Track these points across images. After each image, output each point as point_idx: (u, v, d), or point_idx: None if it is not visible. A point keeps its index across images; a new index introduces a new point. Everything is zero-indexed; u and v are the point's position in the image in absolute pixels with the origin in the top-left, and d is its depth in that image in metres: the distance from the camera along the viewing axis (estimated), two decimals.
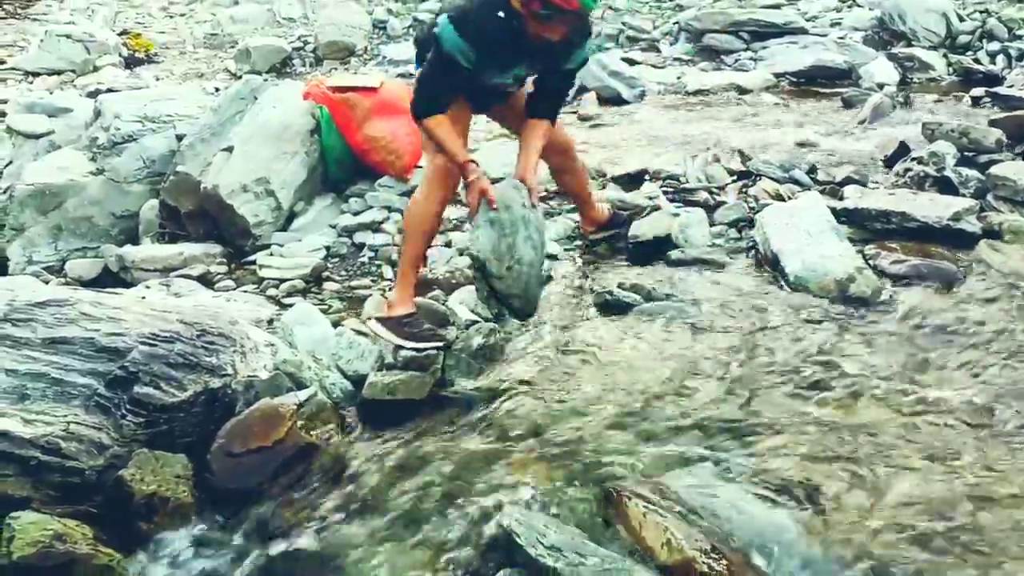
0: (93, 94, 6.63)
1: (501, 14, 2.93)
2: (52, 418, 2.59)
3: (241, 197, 4.39)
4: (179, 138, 4.87)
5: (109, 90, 6.77)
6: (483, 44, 2.95)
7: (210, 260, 4.29)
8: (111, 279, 4.33)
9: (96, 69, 8.82)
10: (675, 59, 8.01)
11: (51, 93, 7.05)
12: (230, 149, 4.53)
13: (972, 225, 3.90)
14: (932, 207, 3.97)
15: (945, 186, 4.32)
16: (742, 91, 6.88)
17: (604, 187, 4.79)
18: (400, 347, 3.08)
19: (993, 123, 4.85)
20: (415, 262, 3.27)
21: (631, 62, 7.57)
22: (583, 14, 2.96)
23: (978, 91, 6.06)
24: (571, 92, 3.70)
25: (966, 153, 4.56)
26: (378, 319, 3.14)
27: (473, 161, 3.11)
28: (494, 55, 3.03)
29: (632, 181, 4.81)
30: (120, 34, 9.92)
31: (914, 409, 2.86)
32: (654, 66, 7.71)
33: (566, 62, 3.22)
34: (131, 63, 9.23)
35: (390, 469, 2.67)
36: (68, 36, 9.00)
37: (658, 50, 8.30)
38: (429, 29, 3.17)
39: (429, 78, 3.10)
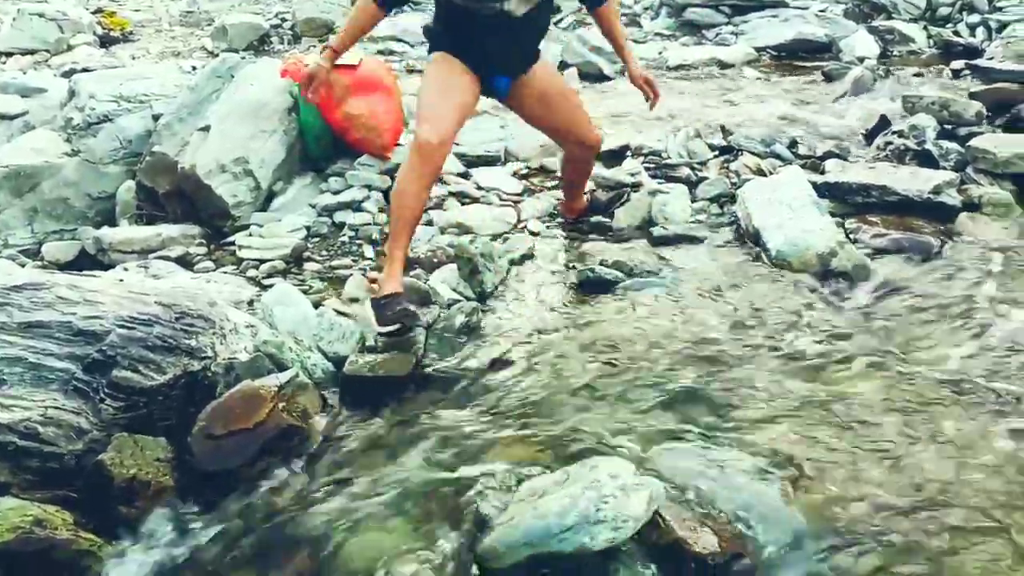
0: (68, 74, 6.53)
1: None
2: (30, 403, 2.56)
3: (219, 177, 4.34)
4: (155, 118, 4.80)
5: (84, 69, 6.66)
6: None
7: (188, 241, 4.24)
8: (89, 262, 4.27)
9: (70, 48, 8.69)
10: (656, 34, 7.99)
11: (24, 73, 6.92)
12: (207, 128, 4.47)
13: (952, 198, 3.92)
14: (912, 180, 3.99)
15: (925, 159, 4.33)
16: (723, 66, 6.87)
17: None
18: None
19: (973, 96, 4.86)
20: (402, 243, 3.20)
21: None
22: None
23: (958, 64, 6.08)
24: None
25: (946, 126, 4.58)
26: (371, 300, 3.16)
27: (333, 49, 3.29)
28: None
29: (614, 157, 4.80)
30: (94, 12, 9.78)
31: (895, 381, 2.88)
32: (635, 41, 7.68)
33: None
34: (106, 42, 9.10)
35: (372, 449, 2.67)
36: (41, 15, 8.86)
37: (639, 25, 8.27)
38: None
39: None
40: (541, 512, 2.13)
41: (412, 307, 3.09)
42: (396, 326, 3.07)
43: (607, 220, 4.07)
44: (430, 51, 3.42)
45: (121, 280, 3.23)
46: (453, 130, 3.23)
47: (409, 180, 3.16)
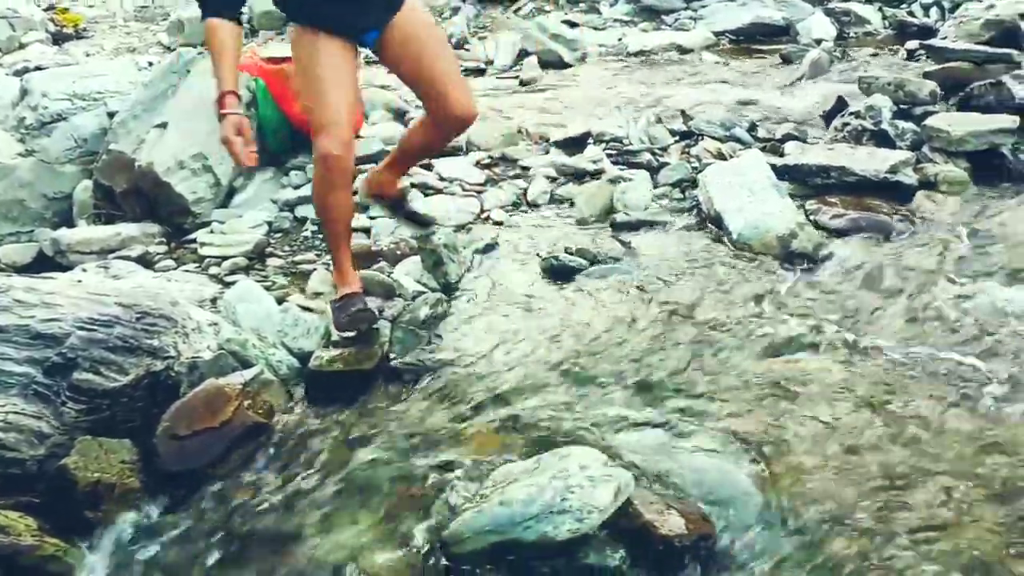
0: (20, 72, 6.40)
1: None
2: None
3: (178, 174, 4.29)
4: (111, 115, 4.73)
5: (37, 68, 6.53)
6: None
7: (148, 240, 4.19)
8: (47, 264, 4.21)
9: (22, 46, 8.52)
10: (616, 20, 7.99)
11: None
12: (164, 125, 4.42)
13: (909, 177, 3.97)
14: (870, 160, 4.03)
15: (882, 139, 4.38)
16: (683, 51, 6.89)
17: (547, 152, 4.78)
18: None
19: (927, 75, 4.92)
20: (343, 248, 3.04)
21: (571, 24, 7.52)
22: None
23: (913, 44, 6.14)
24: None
25: (902, 106, 4.63)
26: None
27: (234, 93, 2.71)
28: None
29: (575, 144, 4.80)
30: (46, 9, 9.60)
31: (859, 360, 2.92)
32: (595, 28, 7.68)
33: None
34: (59, 39, 8.94)
35: (339, 445, 2.66)
36: None
37: (599, 12, 8.26)
38: None
39: None
40: (507, 499, 2.14)
41: (371, 306, 3.03)
42: (353, 333, 2.99)
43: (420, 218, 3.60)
44: (288, 20, 3.01)
45: (80, 281, 3.19)
46: (351, 129, 2.93)
47: (327, 191, 2.91)
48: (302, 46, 2.89)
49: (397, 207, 3.52)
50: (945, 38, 5.71)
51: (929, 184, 3.99)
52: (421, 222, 3.56)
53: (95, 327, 2.75)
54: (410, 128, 3.45)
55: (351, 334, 2.99)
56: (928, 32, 6.49)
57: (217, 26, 2.71)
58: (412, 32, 2.97)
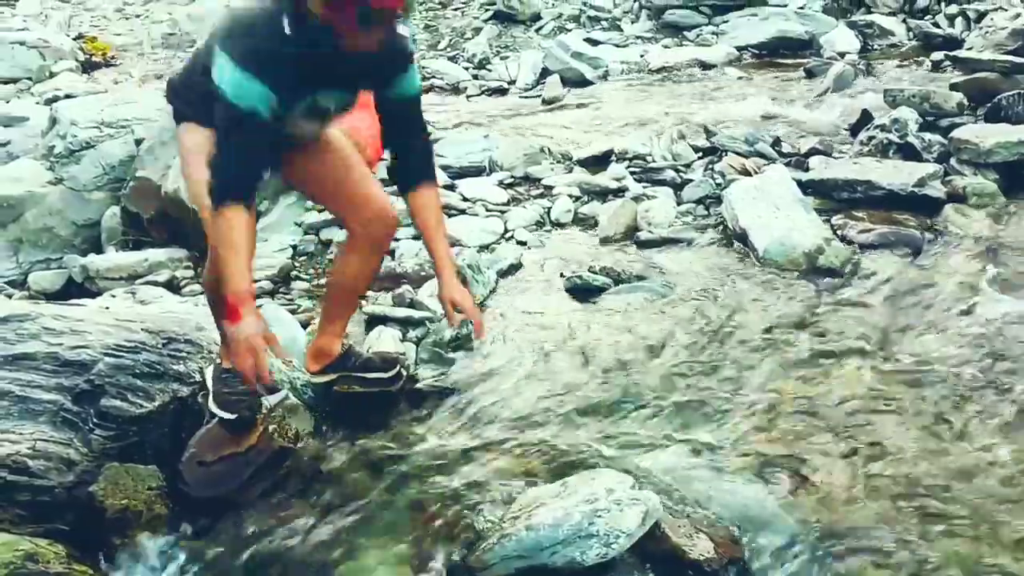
0: (50, 101, 6.52)
1: (287, 29, 2.13)
2: (18, 436, 2.53)
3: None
4: (138, 142, 4.80)
5: (67, 96, 6.65)
6: (285, 77, 2.13)
7: (175, 265, 4.23)
8: (76, 290, 4.26)
9: (53, 75, 8.66)
10: (637, 37, 8.01)
11: (7, 102, 6.91)
12: None
13: (936, 190, 3.93)
14: (896, 174, 4.00)
15: (909, 152, 4.35)
16: (705, 66, 6.89)
17: (571, 170, 4.77)
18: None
19: (953, 87, 4.88)
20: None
21: (593, 42, 7.56)
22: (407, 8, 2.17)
23: (938, 55, 6.10)
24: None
25: (928, 118, 4.60)
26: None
27: (249, 295, 2.25)
28: (304, 87, 2.25)
29: (598, 162, 4.81)
30: (75, 38, 9.77)
31: (888, 377, 2.88)
32: (617, 45, 7.70)
33: (400, 86, 2.44)
34: (88, 67, 9.09)
35: (365, 469, 2.65)
36: (22, 43, 8.85)
37: (620, 29, 8.29)
38: (201, 71, 2.29)
39: (229, 153, 2.20)
40: (533, 524, 2.12)
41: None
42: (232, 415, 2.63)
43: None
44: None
45: (107, 308, 3.21)
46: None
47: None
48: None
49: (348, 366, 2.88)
50: (971, 48, 5.68)
51: (958, 197, 3.94)
52: (380, 367, 2.90)
53: (122, 353, 2.76)
54: (332, 271, 2.94)
55: (229, 416, 2.62)
56: (953, 43, 6.45)
57: (231, 218, 2.19)
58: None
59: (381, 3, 2.08)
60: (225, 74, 2.14)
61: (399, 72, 2.42)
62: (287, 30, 2.14)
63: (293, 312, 3.50)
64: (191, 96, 2.42)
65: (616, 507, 2.12)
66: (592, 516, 2.10)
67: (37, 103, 6.70)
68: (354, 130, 4.58)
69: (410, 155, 2.56)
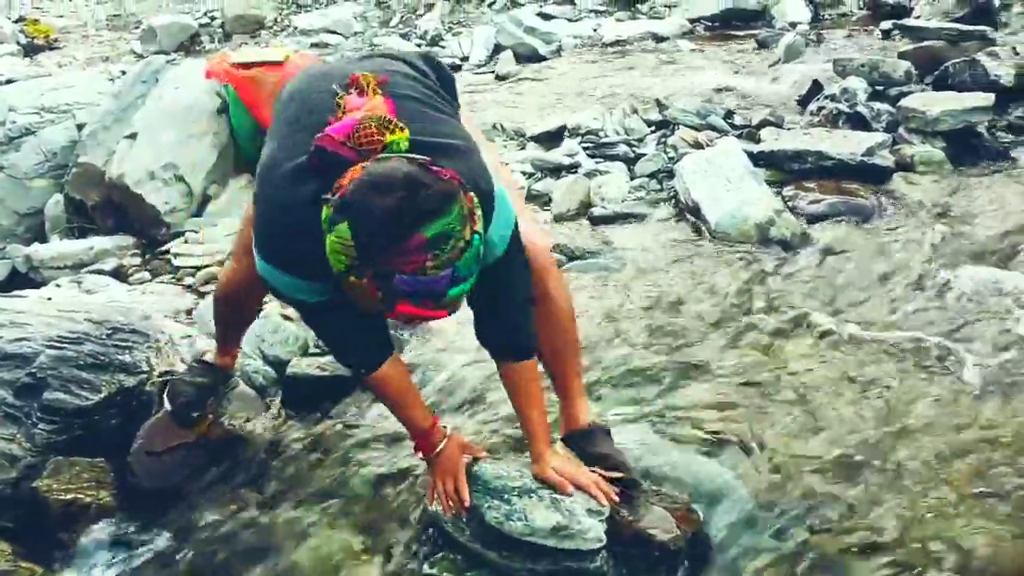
0: None
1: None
2: None
3: (149, 185, 4.24)
4: (80, 127, 4.67)
5: (8, 80, 6.47)
6: (321, 272, 1.68)
7: (122, 253, 4.14)
8: (21, 281, 4.15)
9: None
10: (591, 11, 7.97)
11: None
12: (134, 136, 4.36)
13: (885, 159, 3.96)
14: (846, 144, 4.02)
15: (858, 122, 4.37)
16: (658, 39, 6.88)
17: (523, 147, 4.75)
18: None
19: (902, 55, 4.92)
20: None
21: (546, 17, 7.51)
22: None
23: (887, 24, 6.13)
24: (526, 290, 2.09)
25: (877, 87, 4.62)
26: None
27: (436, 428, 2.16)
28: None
29: (551, 138, 4.78)
30: (16, 21, 9.50)
31: (840, 347, 2.90)
32: (570, 20, 7.66)
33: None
34: (30, 51, 8.86)
35: (318, 453, 2.62)
36: None
37: (573, 3, 8.24)
38: None
39: (326, 340, 2.21)
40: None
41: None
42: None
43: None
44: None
45: (49, 298, 3.14)
46: None
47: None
48: None
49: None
50: (919, 17, 5.71)
51: (906, 166, 3.98)
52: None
53: (64, 345, 2.70)
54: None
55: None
56: (903, 11, 6.49)
57: (378, 379, 2.08)
58: None
59: (424, 314, 1.67)
60: (269, 275, 1.89)
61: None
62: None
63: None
64: None
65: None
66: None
67: None
68: None
69: (494, 321, 2.08)
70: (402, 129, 1.75)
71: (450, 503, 2.11)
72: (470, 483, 2.13)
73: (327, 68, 2.15)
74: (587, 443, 2.27)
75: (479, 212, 1.65)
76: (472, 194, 1.66)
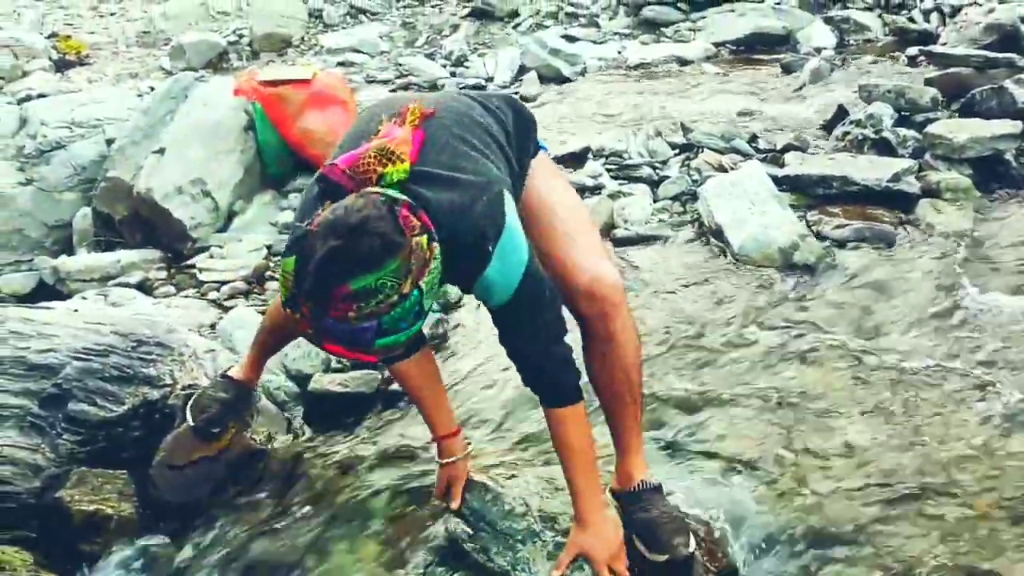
0: (23, 100, 6.42)
1: None
2: None
3: (176, 199, 4.30)
4: (109, 142, 4.74)
5: (40, 95, 6.55)
6: None
7: (148, 266, 4.18)
8: (48, 292, 4.20)
9: (25, 74, 8.55)
10: (615, 33, 7.98)
11: None
12: (162, 151, 4.42)
13: (911, 185, 3.93)
14: (872, 169, 4.00)
15: (884, 147, 4.35)
16: (683, 62, 6.88)
17: None
18: None
19: (928, 82, 4.88)
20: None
21: (571, 39, 7.53)
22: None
23: (913, 50, 6.10)
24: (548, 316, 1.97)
25: (903, 113, 4.60)
26: None
27: (453, 435, 2.28)
28: None
29: (575, 160, 4.78)
30: (48, 37, 9.64)
31: (864, 373, 2.88)
32: (594, 42, 7.68)
33: (479, 292, 1.92)
34: (62, 66, 8.97)
35: (338, 470, 2.63)
36: None
37: (598, 25, 8.26)
38: None
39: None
40: None
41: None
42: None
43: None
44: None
45: (76, 310, 3.17)
46: None
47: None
48: None
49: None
50: (945, 43, 5.69)
51: (932, 192, 3.94)
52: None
53: (90, 357, 2.73)
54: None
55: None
56: (929, 38, 6.46)
57: (400, 370, 2.20)
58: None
59: (352, 357, 1.78)
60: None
61: (464, 279, 1.91)
62: None
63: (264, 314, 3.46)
64: None
65: None
66: None
67: (9, 103, 6.59)
68: (330, 129, 4.55)
69: (525, 365, 2.01)
70: (402, 161, 1.76)
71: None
72: (477, 520, 2.20)
73: (395, 98, 2.18)
74: (633, 506, 2.17)
75: (434, 264, 1.63)
76: (435, 244, 1.64)
